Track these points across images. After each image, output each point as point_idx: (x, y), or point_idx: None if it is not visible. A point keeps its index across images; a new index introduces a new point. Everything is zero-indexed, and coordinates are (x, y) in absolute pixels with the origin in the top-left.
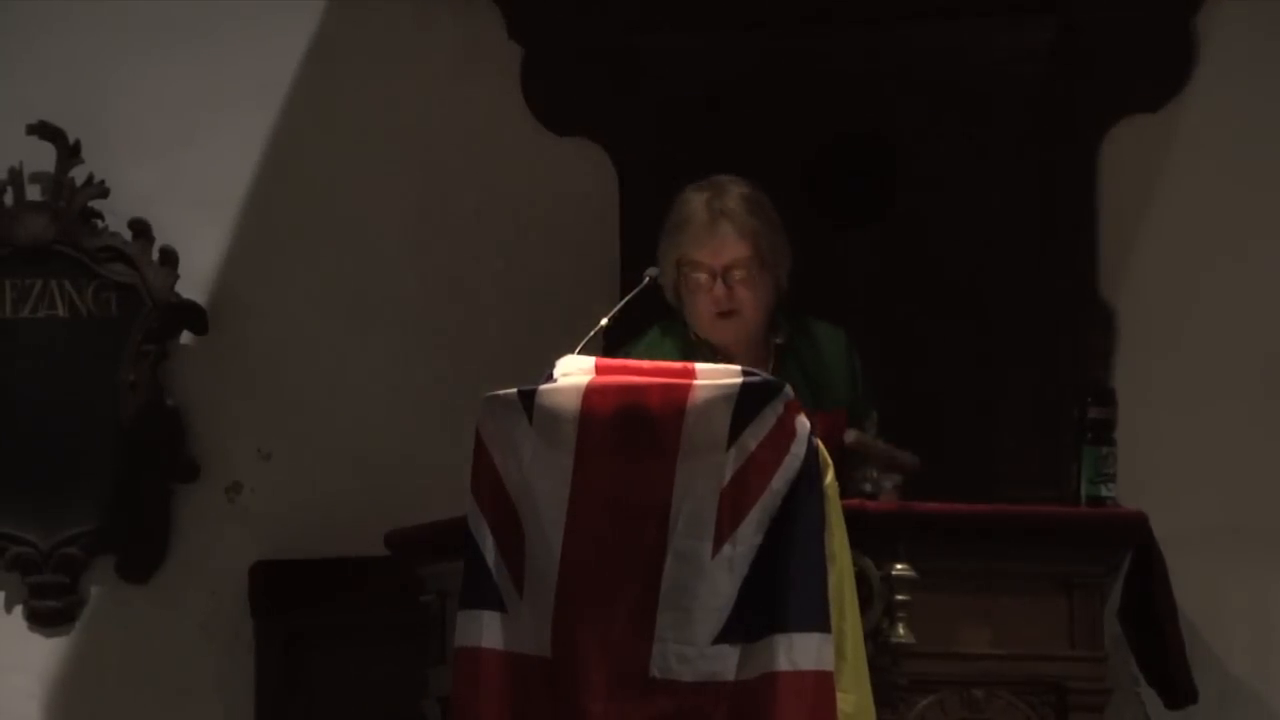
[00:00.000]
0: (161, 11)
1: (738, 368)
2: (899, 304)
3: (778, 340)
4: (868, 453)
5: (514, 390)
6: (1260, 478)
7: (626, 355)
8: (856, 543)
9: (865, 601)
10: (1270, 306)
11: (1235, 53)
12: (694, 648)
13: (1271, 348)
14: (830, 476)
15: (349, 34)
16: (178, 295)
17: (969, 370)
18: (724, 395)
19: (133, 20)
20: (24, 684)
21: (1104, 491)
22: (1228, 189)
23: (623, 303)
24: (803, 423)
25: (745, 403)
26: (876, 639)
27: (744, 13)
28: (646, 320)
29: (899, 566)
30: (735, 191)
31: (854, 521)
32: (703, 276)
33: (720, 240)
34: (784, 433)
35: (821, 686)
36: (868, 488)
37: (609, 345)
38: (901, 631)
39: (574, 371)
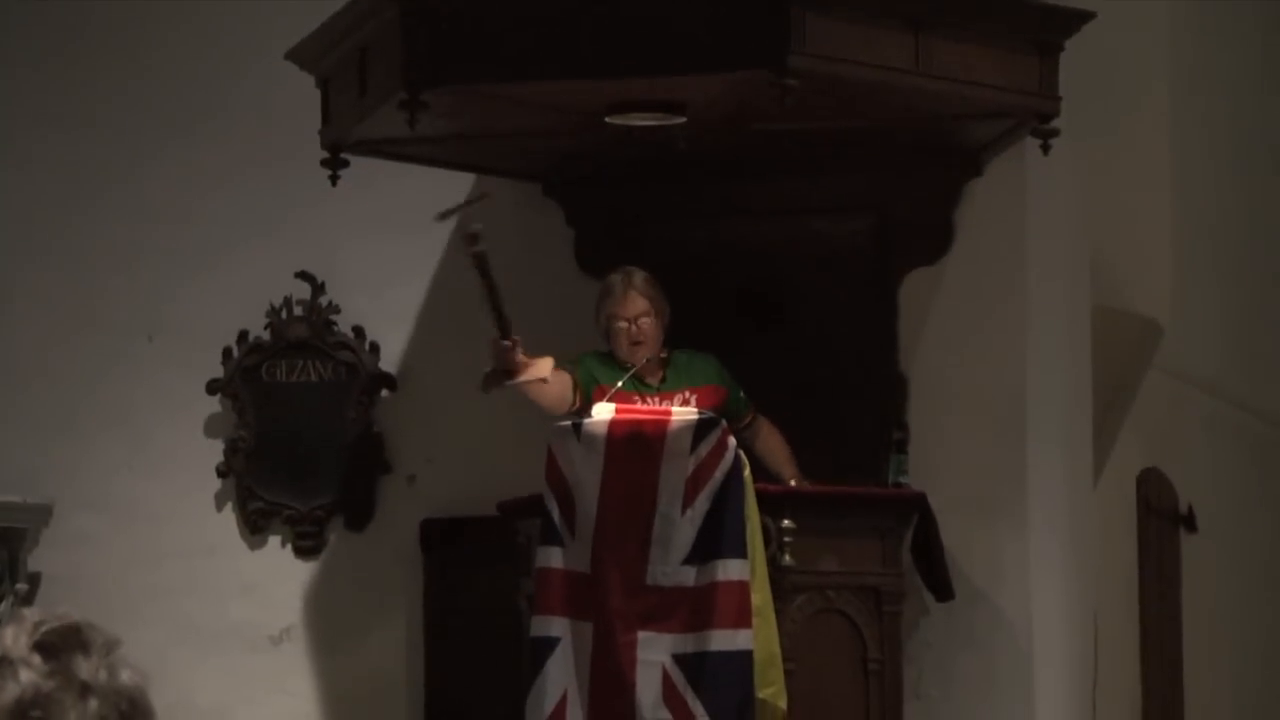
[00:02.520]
0: (370, 202)
1: (695, 410)
2: (785, 376)
3: (662, 355)
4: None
5: (569, 422)
6: (995, 470)
7: (581, 363)
8: (762, 509)
9: (766, 541)
10: (999, 375)
11: (975, 231)
12: (670, 567)
13: (994, 401)
14: (748, 471)
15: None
16: (380, 369)
17: (823, 413)
18: (688, 425)
19: (355, 210)
20: (291, 590)
21: (902, 480)
22: (969, 307)
23: (624, 379)
24: (732, 440)
25: (700, 429)
26: (773, 563)
27: (706, 208)
28: None
29: (786, 522)
30: (638, 274)
31: (761, 497)
32: (622, 324)
33: (630, 301)
34: (722, 445)
35: (743, 589)
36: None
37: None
38: (787, 558)
39: (603, 412)
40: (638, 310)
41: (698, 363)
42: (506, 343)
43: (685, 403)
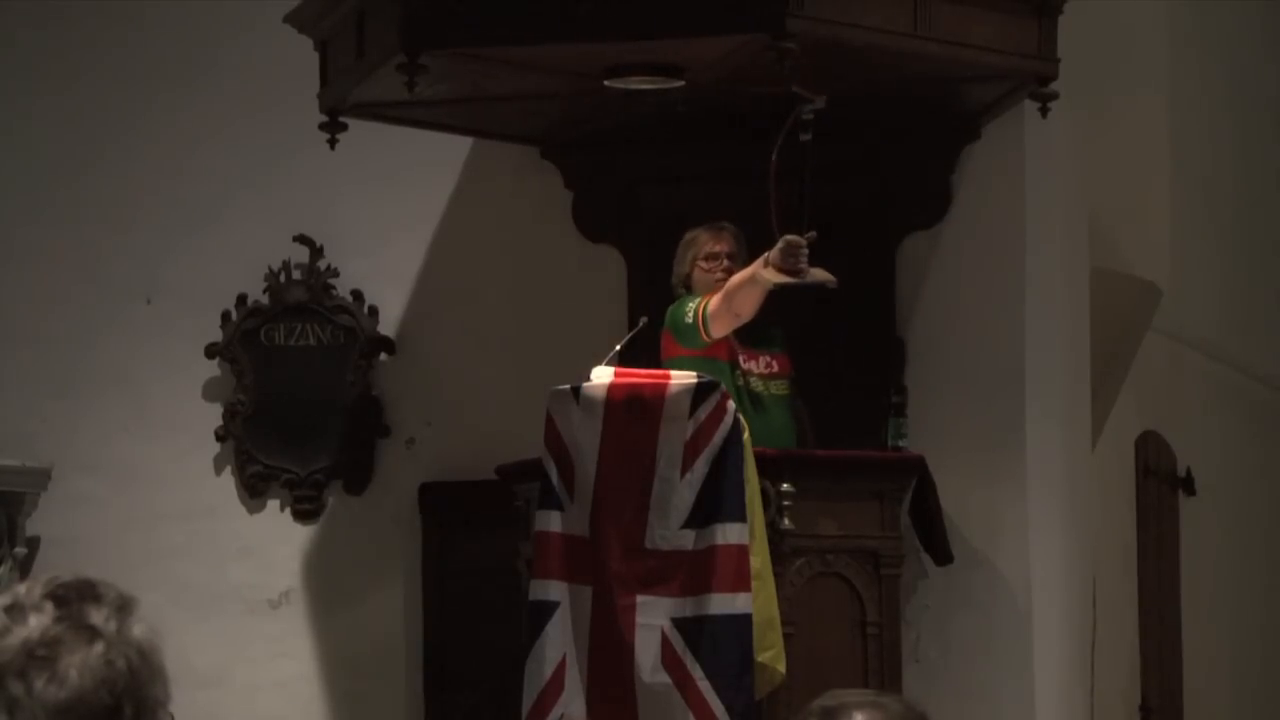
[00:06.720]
0: (368, 165)
1: (694, 374)
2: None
3: None
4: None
5: (568, 386)
6: (993, 433)
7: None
8: (761, 472)
9: (765, 505)
10: (997, 338)
11: (973, 195)
12: (670, 531)
13: (993, 364)
14: (747, 434)
15: (468, 189)
16: (378, 332)
17: (822, 376)
18: (686, 388)
19: (355, 174)
20: (290, 553)
21: (901, 443)
22: (967, 270)
23: (631, 334)
24: (731, 404)
25: (698, 393)
26: (772, 526)
27: (704, 171)
28: (645, 355)
29: (785, 485)
30: (725, 223)
31: (760, 460)
32: (719, 259)
33: (722, 240)
34: (721, 409)
35: (741, 553)
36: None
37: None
38: (786, 522)
39: (602, 375)
40: (727, 249)
41: (774, 331)
42: (805, 239)
43: (769, 365)
